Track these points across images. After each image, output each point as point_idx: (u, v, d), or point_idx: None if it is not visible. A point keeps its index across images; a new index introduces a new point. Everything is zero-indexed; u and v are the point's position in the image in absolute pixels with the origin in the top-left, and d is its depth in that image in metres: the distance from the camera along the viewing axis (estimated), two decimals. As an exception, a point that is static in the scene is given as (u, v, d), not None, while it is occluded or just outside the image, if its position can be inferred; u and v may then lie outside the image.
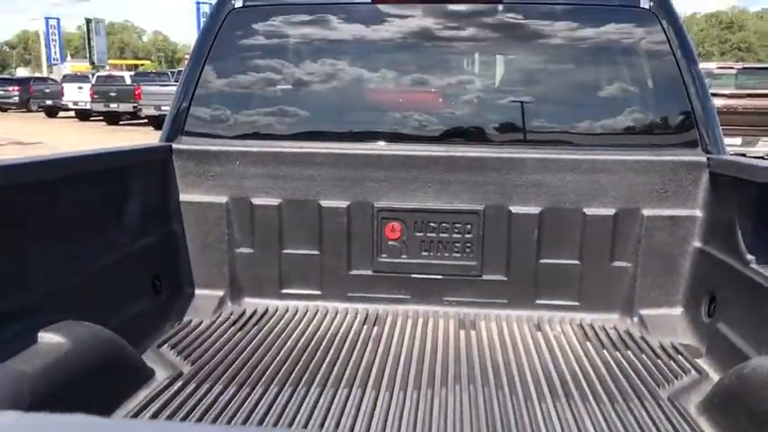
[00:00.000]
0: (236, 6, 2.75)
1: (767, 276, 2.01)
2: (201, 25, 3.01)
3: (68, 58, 57.05)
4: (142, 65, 62.37)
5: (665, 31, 2.49)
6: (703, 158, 2.48)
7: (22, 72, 61.07)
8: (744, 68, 16.44)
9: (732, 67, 16.50)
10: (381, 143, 2.68)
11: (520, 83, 2.89)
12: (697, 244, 2.49)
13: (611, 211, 2.54)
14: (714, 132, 2.50)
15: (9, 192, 1.76)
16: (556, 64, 2.74)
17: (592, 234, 2.55)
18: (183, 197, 2.72)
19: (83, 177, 2.19)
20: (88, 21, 46.97)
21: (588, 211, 2.54)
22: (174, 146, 2.72)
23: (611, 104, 2.64)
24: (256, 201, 2.70)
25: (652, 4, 2.52)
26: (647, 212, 2.52)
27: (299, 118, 2.79)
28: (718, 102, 14.82)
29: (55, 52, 47.92)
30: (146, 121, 22.29)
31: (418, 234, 2.61)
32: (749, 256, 2.13)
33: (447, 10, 2.61)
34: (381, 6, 2.67)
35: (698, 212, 2.50)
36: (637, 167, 2.52)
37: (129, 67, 46.47)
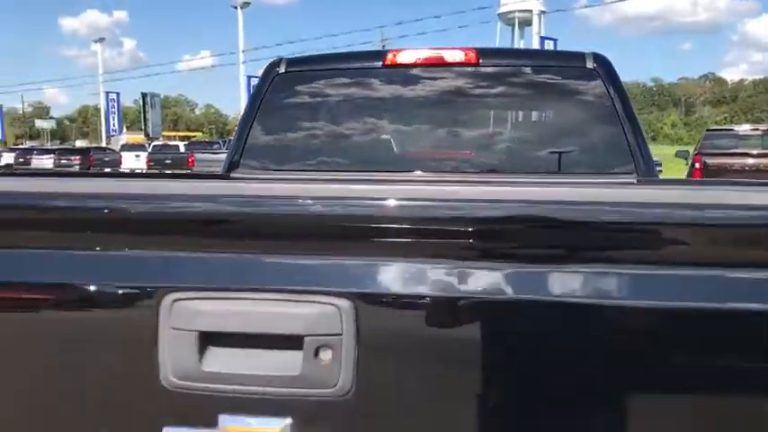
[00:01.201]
0: (279, 72, 3.54)
1: None
2: (251, 90, 3.81)
3: (124, 130, 59.85)
4: (194, 136, 65.03)
5: (605, 86, 3.20)
6: (634, 180, 3.13)
7: (80, 143, 64.37)
8: (768, 131, 16.94)
9: (758, 129, 17.06)
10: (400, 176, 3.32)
11: (503, 129, 3.61)
12: None
13: None
14: (645, 161, 3.15)
15: None
16: (526, 112, 3.46)
17: None
18: None
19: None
20: (144, 95, 49.67)
21: None
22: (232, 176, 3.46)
23: (567, 142, 3.34)
24: None
25: (595, 65, 3.24)
26: None
27: (333, 162, 3.51)
28: (748, 161, 15.42)
29: (113, 124, 50.59)
30: (197, 186, 23.51)
31: None
32: None
33: (441, 73, 3.35)
34: (398, 68, 3.41)
35: None
36: None
37: (181, 138, 48.66)
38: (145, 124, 49.06)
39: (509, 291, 1.22)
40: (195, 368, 1.24)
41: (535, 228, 1.25)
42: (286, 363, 1.22)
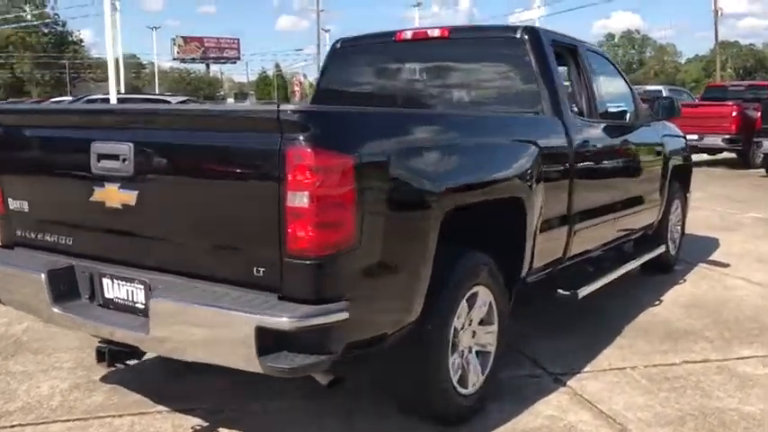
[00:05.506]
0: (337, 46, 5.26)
1: None
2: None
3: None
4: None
5: (528, 51, 4.31)
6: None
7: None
8: None
9: None
10: None
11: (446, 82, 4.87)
12: None
13: None
14: (548, 103, 4.20)
15: None
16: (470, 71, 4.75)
17: None
18: None
19: None
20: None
21: None
22: None
23: (497, 86, 4.55)
24: None
25: (525, 36, 4.37)
26: None
27: None
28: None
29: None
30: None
31: None
32: None
33: (420, 46, 4.78)
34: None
35: None
36: None
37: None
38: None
39: None
40: None
41: None
42: None
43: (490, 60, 4.59)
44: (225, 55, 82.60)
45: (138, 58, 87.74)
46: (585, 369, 4.07)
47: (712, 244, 7.59)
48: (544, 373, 4.00)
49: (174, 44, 79.10)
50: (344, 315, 2.53)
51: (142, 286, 2.93)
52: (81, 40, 79.35)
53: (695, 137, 15.33)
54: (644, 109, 5.68)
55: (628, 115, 5.40)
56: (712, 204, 10.46)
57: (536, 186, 3.73)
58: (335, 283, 2.56)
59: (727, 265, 6.63)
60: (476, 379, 3.41)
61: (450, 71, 4.79)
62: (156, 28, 66.52)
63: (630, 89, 5.66)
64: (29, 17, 68.35)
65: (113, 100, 16.28)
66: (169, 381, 3.87)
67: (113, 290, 3.05)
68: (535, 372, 4.03)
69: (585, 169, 4.44)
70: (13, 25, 65.12)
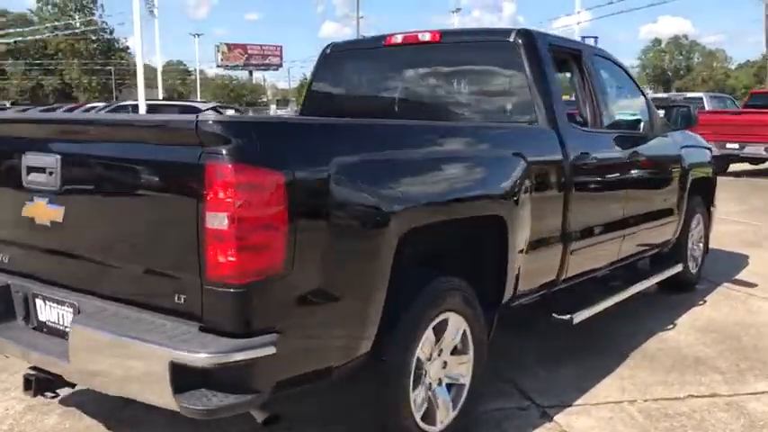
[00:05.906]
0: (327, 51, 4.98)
1: None
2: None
3: None
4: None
5: (522, 56, 3.98)
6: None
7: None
8: None
9: None
10: None
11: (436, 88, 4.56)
12: None
13: None
14: (543, 112, 3.88)
15: None
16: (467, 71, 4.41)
17: None
18: None
19: None
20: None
21: None
22: None
23: (489, 93, 4.23)
24: None
25: (519, 40, 4.03)
26: None
27: None
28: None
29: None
30: None
31: None
32: None
33: (410, 51, 4.48)
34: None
35: None
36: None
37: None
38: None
39: None
40: None
41: None
42: None
43: (482, 66, 4.28)
44: (267, 62, 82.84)
45: (185, 65, 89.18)
46: (578, 402, 3.72)
47: (742, 261, 7.12)
48: (532, 406, 3.67)
49: (218, 51, 79.74)
50: (271, 350, 2.26)
51: (71, 309, 2.71)
52: (127, 47, 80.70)
53: (736, 146, 14.74)
54: (659, 118, 5.29)
55: (642, 125, 5.02)
56: (749, 218, 9.93)
57: (522, 203, 3.41)
58: (262, 313, 2.30)
59: (753, 286, 6.16)
60: (445, 415, 3.11)
61: (439, 77, 4.48)
62: (198, 35, 67.22)
63: (645, 97, 5.27)
64: (77, 25, 69.75)
65: (142, 107, 16.30)
66: (127, 403, 3.63)
67: (45, 312, 2.83)
68: (522, 404, 3.70)
69: (585, 184, 4.10)
70: (63, 32, 66.53)
